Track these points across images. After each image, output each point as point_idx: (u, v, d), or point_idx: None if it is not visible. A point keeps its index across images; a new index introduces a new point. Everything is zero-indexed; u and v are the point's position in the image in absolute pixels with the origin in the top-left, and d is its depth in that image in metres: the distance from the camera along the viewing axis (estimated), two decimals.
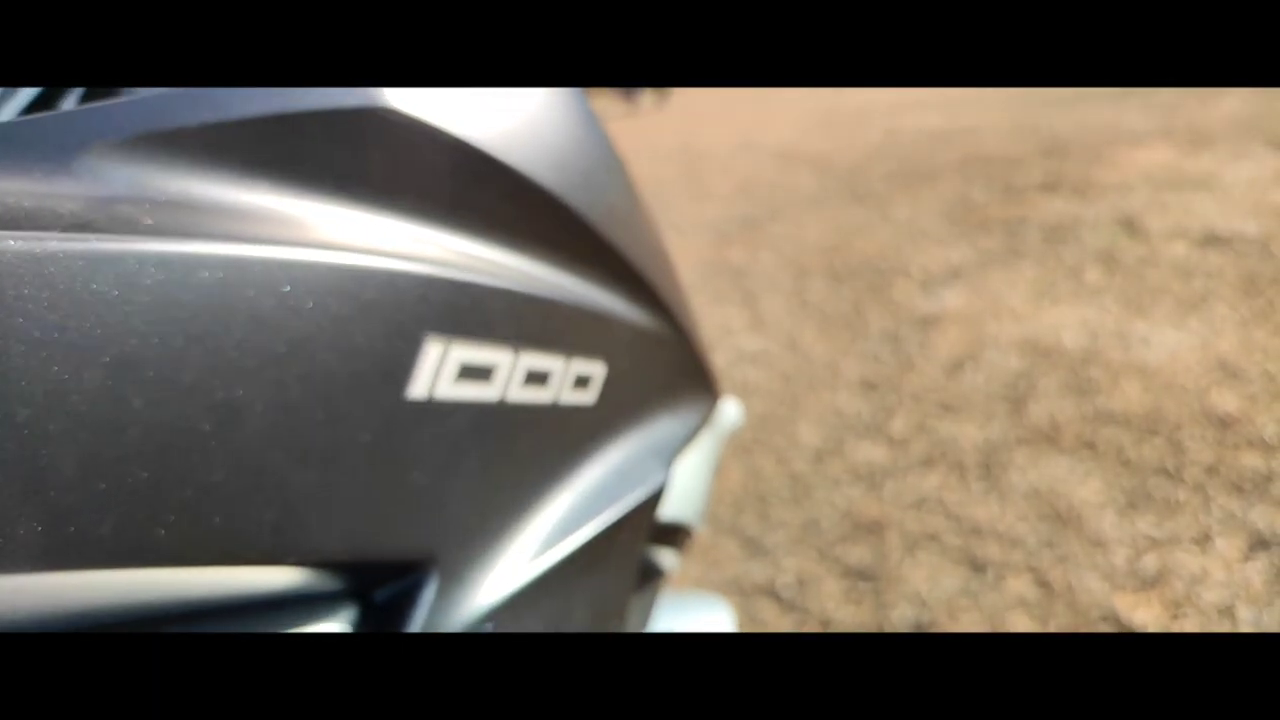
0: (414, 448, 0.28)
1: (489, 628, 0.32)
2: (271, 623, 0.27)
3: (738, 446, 1.71)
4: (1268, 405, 1.51)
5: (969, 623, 1.17)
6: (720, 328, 2.34)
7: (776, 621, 1.24)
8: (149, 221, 0.23)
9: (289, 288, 0.24)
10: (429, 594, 0.30)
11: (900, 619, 1.20)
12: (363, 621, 0.29)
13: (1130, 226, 2.43)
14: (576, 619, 0.37)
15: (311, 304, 0.24)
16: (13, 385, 0.18)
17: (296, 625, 0.27)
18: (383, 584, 0.30)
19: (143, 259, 0.21)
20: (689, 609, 0.63)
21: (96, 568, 0.21)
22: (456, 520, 0.31)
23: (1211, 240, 2.22)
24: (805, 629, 1.22)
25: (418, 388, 0.28)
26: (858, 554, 1.35)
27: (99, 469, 0.20)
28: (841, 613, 1.23)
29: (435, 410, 0.29)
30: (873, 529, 1.40)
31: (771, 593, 1.30)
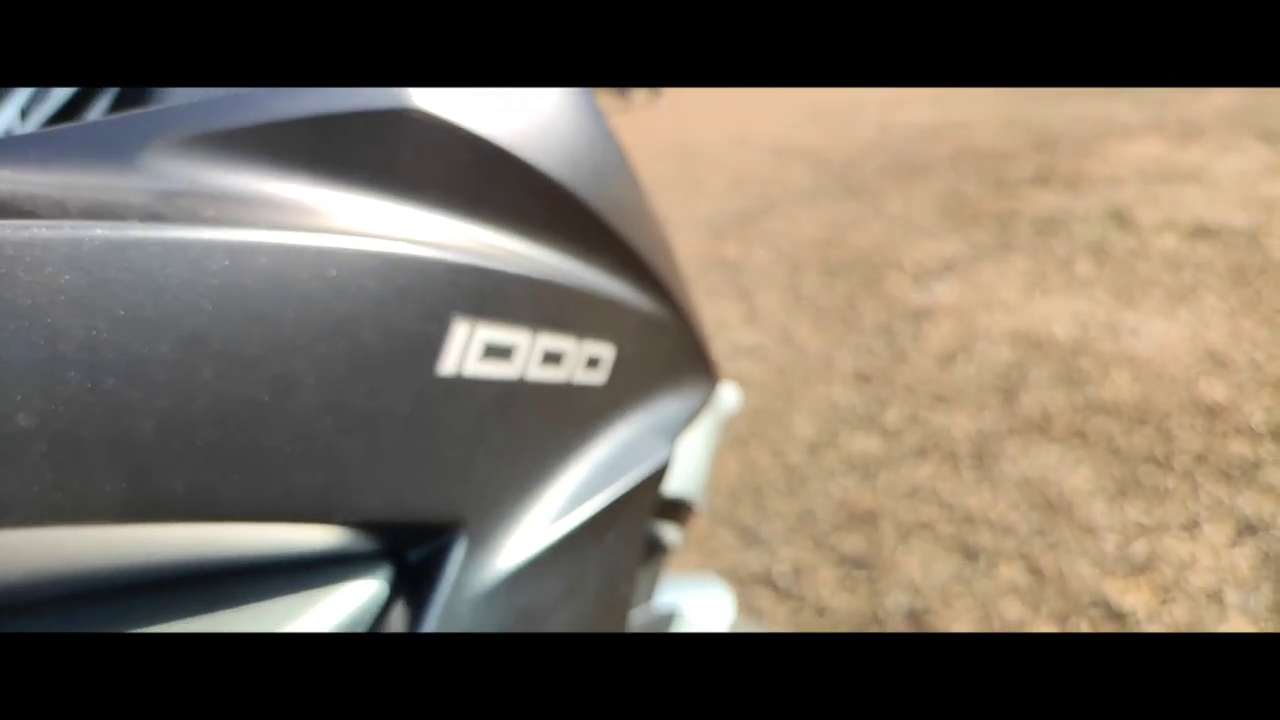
0: (444, 420, 0.31)
1: (511, 588, 0.34)
2: (317, 578, 0.29)
3: (734, 439, 1.73)
4: (1255, 394, 1.53)
5: (962, 609, 1.18)
6: (716, 322, 2.35)
7: (773, 609, 1.26)
8: (210, 213, 0.25)
9: (335, 272, 0.26)
10: (458, 554, 0.32)
11: (894, 606, 1.21)
12: (398, 578, 0.31)
13: (1120, 219, 2.45)
14: (590, 582, 0.39)
15: (355, 287, 0.27)
16: (101, 356, 0.21)
17: (339, 581, 0.29)
18: (416, 544, 0.32)
19: (208, 246, 0.23)
20: (690, 588, 0.66)
21: (173, 520, 0.23)
22: (482, 487, 0.33)
23: (1201, 232, 2.24)
24: (801, 616, 1.24)
25: (447, 365, 0.30)
26: (852, 542, 1.37)
27: (174, 432, 0.22)
28: (836, 600, 1.25)
29: (463, 386, 0.31)
30: (867, 518, 1.41)
31: (768, 581, 1.32)
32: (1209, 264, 2.05)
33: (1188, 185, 2.60)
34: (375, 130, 0.30)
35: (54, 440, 0.20)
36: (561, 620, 0.37)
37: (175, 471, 0.23)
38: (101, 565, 0.24)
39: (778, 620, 1.24)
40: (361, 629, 0.29)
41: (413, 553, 0.32)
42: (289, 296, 0.25)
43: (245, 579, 0.28)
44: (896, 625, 1.19)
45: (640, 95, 8.53)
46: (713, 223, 3.35)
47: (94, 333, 0.21)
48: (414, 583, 0.32)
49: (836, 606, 1.24)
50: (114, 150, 0.25)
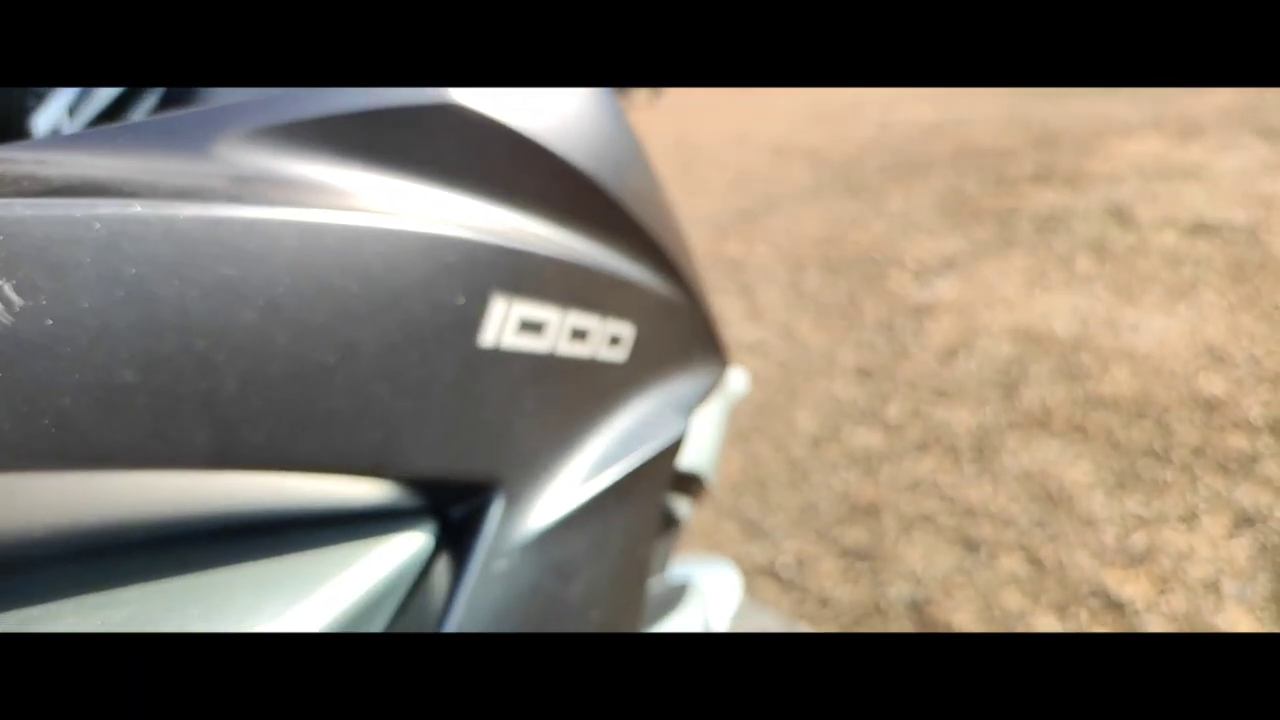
0: (485, 387, 0.33)
1: (544, 544, 0.36)
2: (371, 530, 0.32)
3: (737, 433, 1.74)
4: (1253, 388, 1.54)
5: (963, 599, 1.20)
6: (718, 318, 2.37)
7: (777, 599, 1.27)
8: (278, 196, 0.27)
9: (391, 251, 0.29)
10: (496, 512, 0.35)
11: (896, 596, 1.23)
12: (442, 532, 0.34)
13: (1120, 216, 2.47)
14: (614, 543, 0.42)
15: (408, 265, 0.29)
16: (193, 321, 0.23)
17: (390, 532, 0.32)
18: (458, 502, 0.35)
19: (282, 226, 0.25)
20: (701, 567, 0.69)
21: (249, 469, 0.26)
22: (518, 450, 0.36)
23: (1200, 229, 2.26)
24: (804, 607, 1.25)
25: (487, 337, 0.33)
26: (854, 535, 1.38)
27: (254, 389, 0.25)
28: (839, 591, 1.27)
29: (501, 357, 0.34)
30: (869, 511, 1.43)
31: (771, 572, 1.34)
32: (1208, 260, 2.07)
33: (1187, 182, 2.61)
34: (423, 123, 0.33)
35: (154, 394, 0.22)
36: (588, 577, 0.40)
37: (254, 425, 0.25)
38: (185, 511, 0.27)
39: (782, 608, 1.26)
40: (410, 577, 0.32)
41: (455, 509, 0.35)
42: (351, 272, 0.27)
43: (308, 528, 0.30)
44: (898, 615, 1.21)
45: (642, 95, 8.57)
46: (715, 221, 3.37)
47: (186, 300, 0.23)
48: (456, 536, 0.34)
49: (839, 597, 1.26)
50: (192, 140, 0.28)
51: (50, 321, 0.20)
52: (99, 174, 0.24)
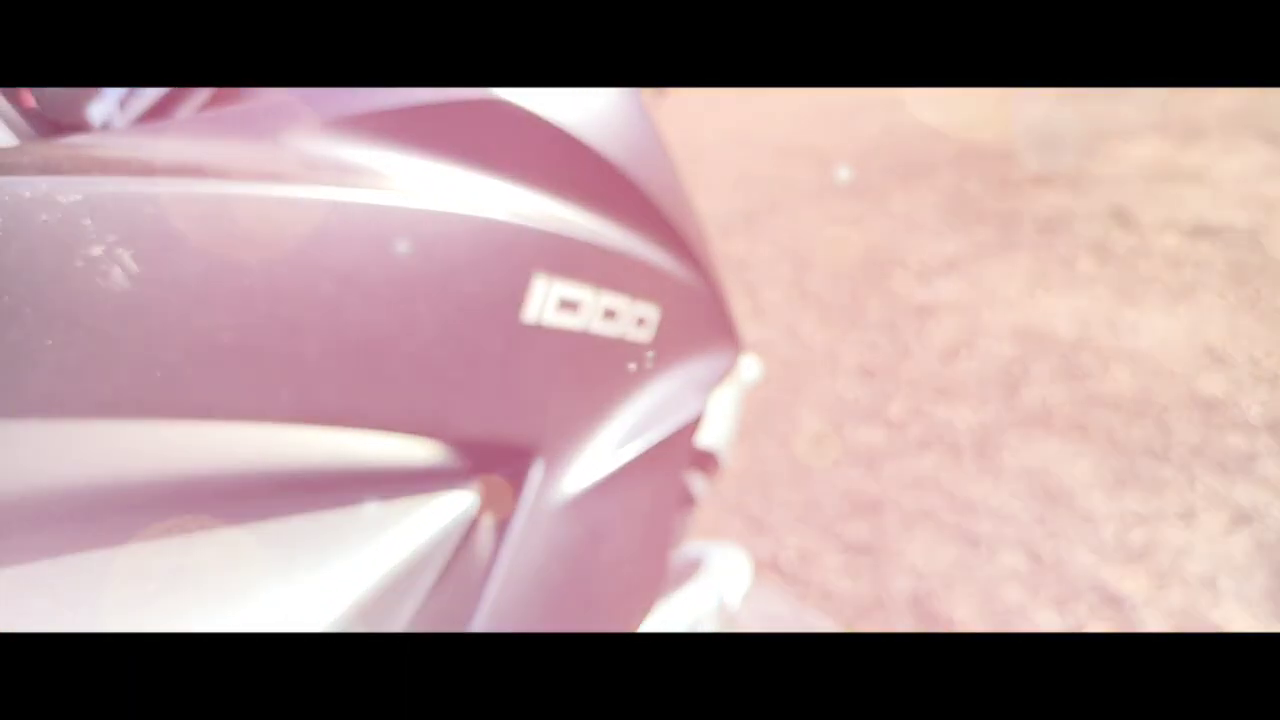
0: (528, 359, 0.36)
1: (579, 507, 0.39)
2: (428, 487, 0.34)
3: (740, 430, 1.76)
4: (1252, 389, 1.56)
5: (963, 593, 1.22)
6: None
7: (780, 593, 1.29)
8: (349, 181, 0.30)
9: (449, 233, 0.31)
10: (537, 475, 0.38)
11: (897, 590, 1.25)
12: (488, 492, 0.37)
13: (1122, 218, 2.48)
14: (640, 509, 0.45)
15: (463, 246, 0.32)
16: (280, 290, 0.26)
17: (442, 490, 0.35)
18: (503, 465, 0.38)
19: (355, 208, 0.28)
20: (712, 550, 0.71)
21: (325, 425, 0.28)
22: (555, 419, 0.39)
23: (1201, 231, 2.27)
24: (807, 600, 1.27)
25: (530, 313, 0.35)
26: (857, 530, 1.40)
27: (330, 353, 0.27)
28: (841, 585, 1.28)
29: (542, 332, 0.36)
30: (871, 507, 1.45)
31: (775, 566, 1.35)
32: (1209, 262, 2.08)
33: (1189, 185, 2.63)
34: (473, 118, 0.35)
35: (246, 354, 0.25)
36: (618, 538, 0.42)
37: (330, 385, 0.27)
38: (266, 463, 0.29)
39: (784, 600, 1.27)
40: (460, 531, 0.34)
41: (500, 471, 0.37)
42: (415, 251, 0.30)
43: (370, 484, 0.33)
44: (899, 609, 1.22)
45: (646, 95, 8.60)
46: (719, 220, 3.38)
47: (274, 271, 0.25)
48: (501, 495, 0.37)
49: (841, 591, 1.27)
50: (268, 130, 0.30)
51: (161, 287, 0.22)
52: (192, 158, 0.27)
